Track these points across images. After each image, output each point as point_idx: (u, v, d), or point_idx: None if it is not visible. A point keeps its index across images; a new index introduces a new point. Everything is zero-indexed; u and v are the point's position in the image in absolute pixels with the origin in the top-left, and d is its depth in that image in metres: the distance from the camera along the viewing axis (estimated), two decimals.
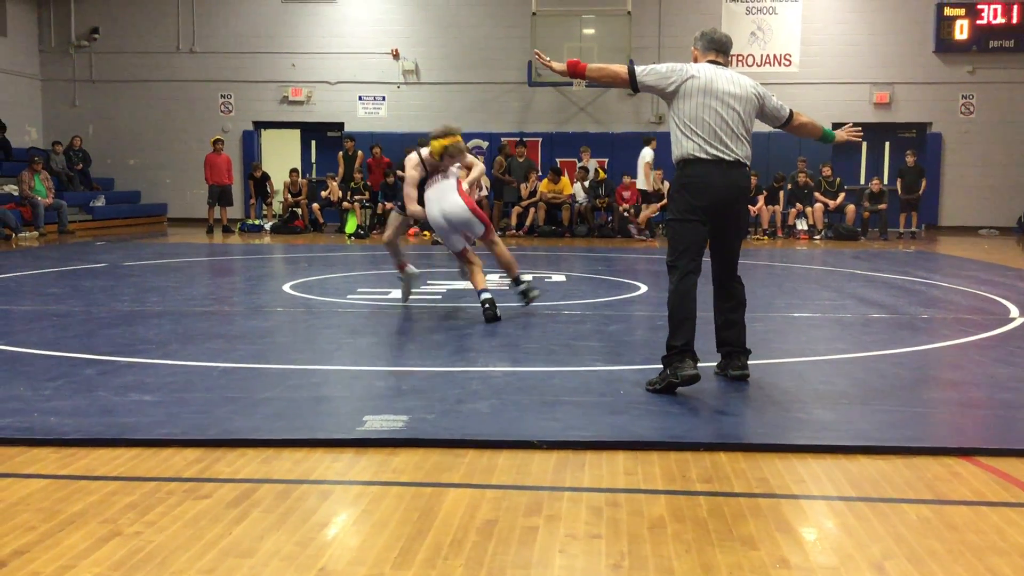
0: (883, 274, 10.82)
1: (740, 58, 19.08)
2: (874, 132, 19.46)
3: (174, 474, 3.43)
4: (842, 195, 17.56)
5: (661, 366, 4.77)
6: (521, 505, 3.15)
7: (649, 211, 16.83)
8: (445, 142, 7.08)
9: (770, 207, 17.34)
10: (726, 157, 4.77)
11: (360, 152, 18.38)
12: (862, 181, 19.51)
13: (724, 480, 3.43)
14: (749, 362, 5.01)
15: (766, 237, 16.96)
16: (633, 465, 3.57)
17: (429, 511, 3.08)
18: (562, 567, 2.66)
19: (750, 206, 16.79)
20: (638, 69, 4.92)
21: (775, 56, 19.29)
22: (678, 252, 4.80)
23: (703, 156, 4.76)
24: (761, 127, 5.34)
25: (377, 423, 4.01)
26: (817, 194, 17.41)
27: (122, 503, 3.12)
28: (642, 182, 16.81)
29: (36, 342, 5.80)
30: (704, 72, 4.83)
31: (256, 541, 2.81)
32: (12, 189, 16.41)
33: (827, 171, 17.66)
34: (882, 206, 17.50)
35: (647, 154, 16.74)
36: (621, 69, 4.97)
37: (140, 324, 6.52)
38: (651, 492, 3.29)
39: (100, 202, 18.63)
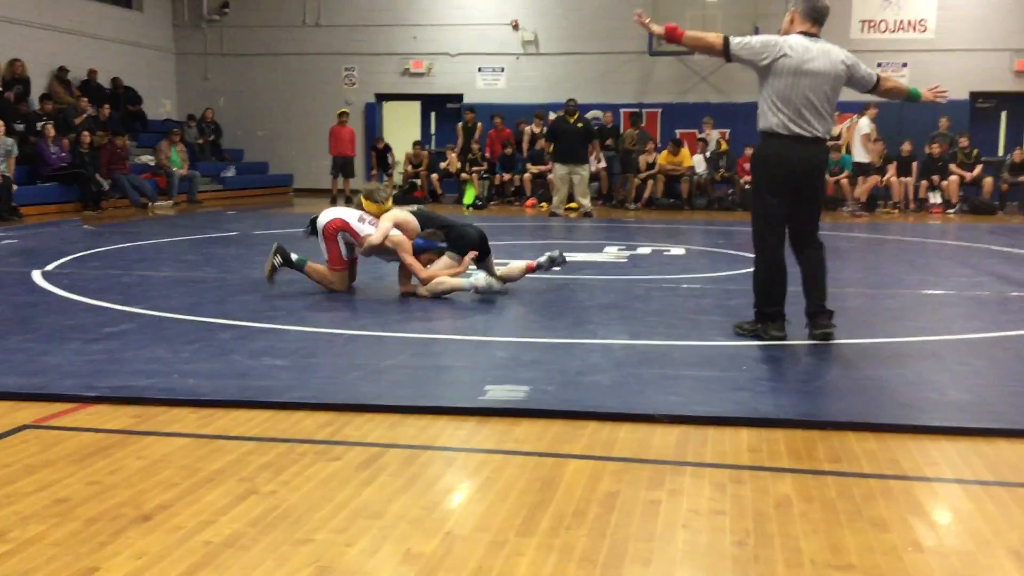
0: (1023, 250, 10.30)
1: (872, 24, 18.35)
2: (1015, 101, 18.45)
3: (306, 436, 3.55)
4: (979, 167, 16.73)
5: (757, 324, 5.19)
6: (643, 478, 3.14)
7: (868, 184, 16.12)
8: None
9: (901, 179, 16.67)
10: (806, 134, 4.97)
11: (479, 123, 18.50)
12: (1000, 152, 18.54)
13: (853, 460, 3.35)
14: (875, 340, 4.94)
15: (896, 211, 16.34)
16: (758, 442, 3.52)
17: (551, 481, 3.11)
18: (685, 542, 2.65)
19: (879, 177, 16.25)
20: (733, 41, 5.06)
21: (909, 22, 18.46)
22: (763, 221, 5.11)
23: (785, 132, 4.97)
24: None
25: (499, 393, 4.06)
26: (952, 166, 16.65)
27: (257, 463, 3.25)
28: (860, 154, 16.11)
29: (175, 307, 6.07)
30: (796, 50, 4.94)
31: (384, 503, 2.89)
32: (148, 159, 17.14)
33: (964, 142, 16.85)
34: (1023, 178, 16.62)
35: (864, 124, 15.94)
36: (716, 39, 5.10)
37: (270, 291, 6.74)
38: (777, 470, 3.23)
39: (230, 172, 19.30)
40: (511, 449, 3.44)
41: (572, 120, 15.08)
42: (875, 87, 5.19)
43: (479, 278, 6.63)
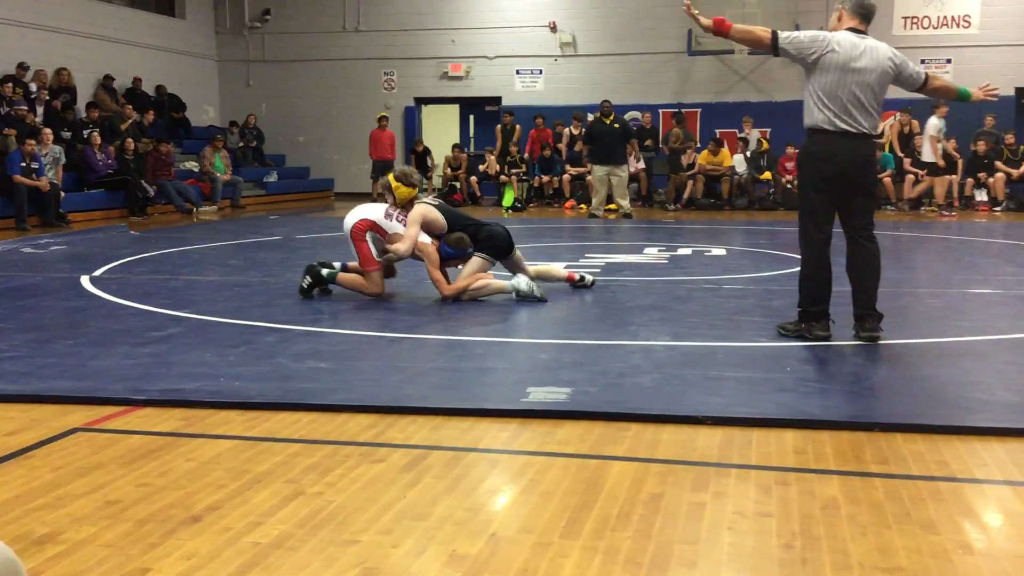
0: None
1: (914, 20, 18.11)
2: None
3: (350, 438, 3.59)
4: None
5: (801, 324, 5.16)
6: (687, 480, 3.13)
7: (942, 186, 15.86)
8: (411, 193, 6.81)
9: (947, 177, 16.41)
10: (852, 130, 4.93)
11: (517, 126, 18.52)
12: None
13: (901, 462, 3.31)
14: (921, 340, 4.86)
15: (940, 209, 16.09)
16: (803, 444, 3.49)
17: (595, 483, 3.11)
18: (731, 544, 2.63)
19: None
20: (781, 36, 5.06)
21: (953, 18, 18.19)
22: (809, 219, 5.07)
23: (831, 128, 4.95)
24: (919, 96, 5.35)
25: (541, 395, 4.07)
26: (999, 163, 16.37)
27: (304, 464, 3.29)
28: (928, 154, 15.85)
29: (220, 311, 6.16)
30: (844, 46, 4.92)
31: (429, 505, 2.91)
32: (193, 166, 17.38)
33: (1010, 139, 16.56)
34: None
35: (934, 124, 15.66)
36: (765, 33, 5.12)
37: (312, 295, 6.79)
38: (823, 472, 3.21)
39: (272, 178, 19.51)
40: (554, 451, 3.45)
41: (608, 121, 15.05)
42: (923, 85, 5.15)
43: (520, 282, 6.60)
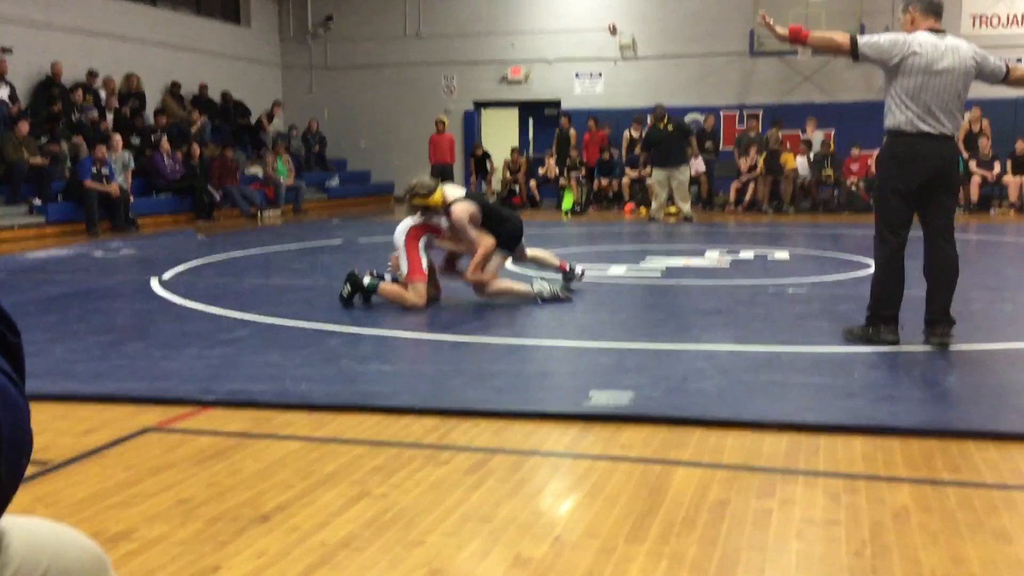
0: None
1: (983, 19, 17.68)
2: None
3: (414, 440, 3.61)
4: None
5: (869, 328, 5.09)
6: (753, 487, 3.10)
7: (1016, 187, 15.37)
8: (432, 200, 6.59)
9: (1018, 177, 16.00)
10: (934, 132, 4.87)
11: (572, 130, 18.50)
12: None
13: (973, 470, 3.24)
14: (993, 345, 4.76)
15: (1012, 211, 15.69)
16: (872, 451, 3.43)
17: (659, 488, 3.09)
18: (799, 552, 2.60)
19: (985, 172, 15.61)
20: (861, 40, 5.00)
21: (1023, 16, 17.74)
22: (886, 223, 5.01)
23: (913, 131, 4.88)
24: (992, 92, 5.26)
25: (603, 398, 4.06)
26: None
27: (369, 466, 3.32)
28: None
29: (286, 314, 6.25)
30: (925, 47, 4.85)
31: (493, 508, 2.92)
32: (256, 171, 17.67)
33: None
34: None
35: None
36: (843, 39, 5.06)
37: (375, 299, 6.85)
38: (893, 480, 3.15)
39: (335, 182, 19.76)
40: (617, 455, 3.44)
41: (663, 125, 14.96)
42: (1005, 77, 5.06)
43: (544, 287, 6.57)
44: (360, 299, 6.62)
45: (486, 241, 6.51)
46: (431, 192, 6.52)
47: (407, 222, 6.67)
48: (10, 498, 1.05)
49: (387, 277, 6.64)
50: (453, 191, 6.68)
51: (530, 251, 7.12)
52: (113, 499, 3.04)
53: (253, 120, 19.34)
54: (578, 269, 7.27)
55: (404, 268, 6.51)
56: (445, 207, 6.54)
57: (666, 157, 14.73)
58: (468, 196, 6.69)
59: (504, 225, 6.68)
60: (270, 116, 19.27)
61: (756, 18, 17.83)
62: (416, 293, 6.44)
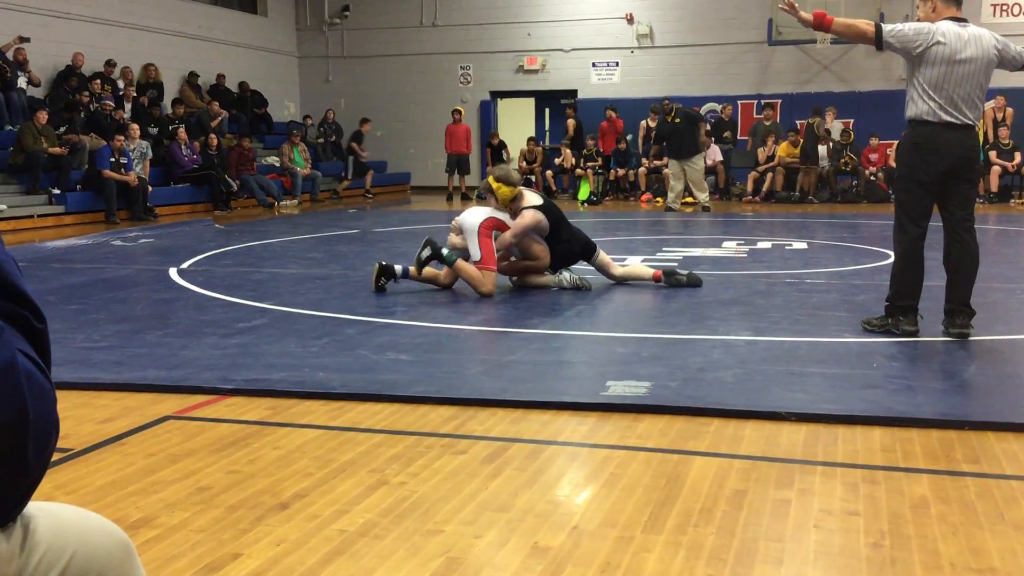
0: None
1: (1004, 7, 17.52)
2: None
3: (432, 429, 3.62)
4: None
5: (888, 318, 5.08)
6: (771, 477, 3.09)
7: None
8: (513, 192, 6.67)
9: None
10: (956, 121, 4.85)
11: (570, 121, 18.36)
12: None
13: (993, 461, 3.22)
14: (1013, 336, 4.73)
15: None
16: (891, 442, 3.42)
17: (676, 478, 3.09)
18: (818, 542, 2.59)
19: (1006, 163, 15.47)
20: (885, 29, 4.97)
21: None
22: (906, 212, 5.00)
23: (935, 120, 4.86)
24: (1013, 80, 5.26)
25: (620, 388, 4.05)
26: None
27: (387, 454, 3.34)
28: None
29: (303, 303, 6.27)
30: (949, 37, 4.83)
31: (511, 497, 2.93)
32: (273, 160, 17.72)
33: None
34: None
35: None
36: (868, 27, 5.04)
37: (392, 287, 6.87)
38: (912, 471, 3.13)
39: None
40: (635, 445, 3.44)
41: (670, 119, 14.90)
42: None
43: (564, 276, 6.76)
44: (391, 281, 6.70)
45: (541, 255, 6.68)
46: (512, 185, 6.66)
47: (482, 211, 6.73)
48: (37, 482, 1.06)
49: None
50: (532, 196, 6.86)
51: (620, 268, 7.06)
52: (133, 487, 3.06)
53: (270, 110, 19.39)
54: (678, 269, 7.12)
55: (476, 255, 6.54)
56: (509, 203, 6.68)
57: (678, 149, 14.69)
58: (545, 206, 6.77)
59: (559, 247, 6.78)
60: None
61: (774, 7, 17.78)
62: (489, 280, 6.49)
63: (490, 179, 6.80)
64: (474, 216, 6.70)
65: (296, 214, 15.08)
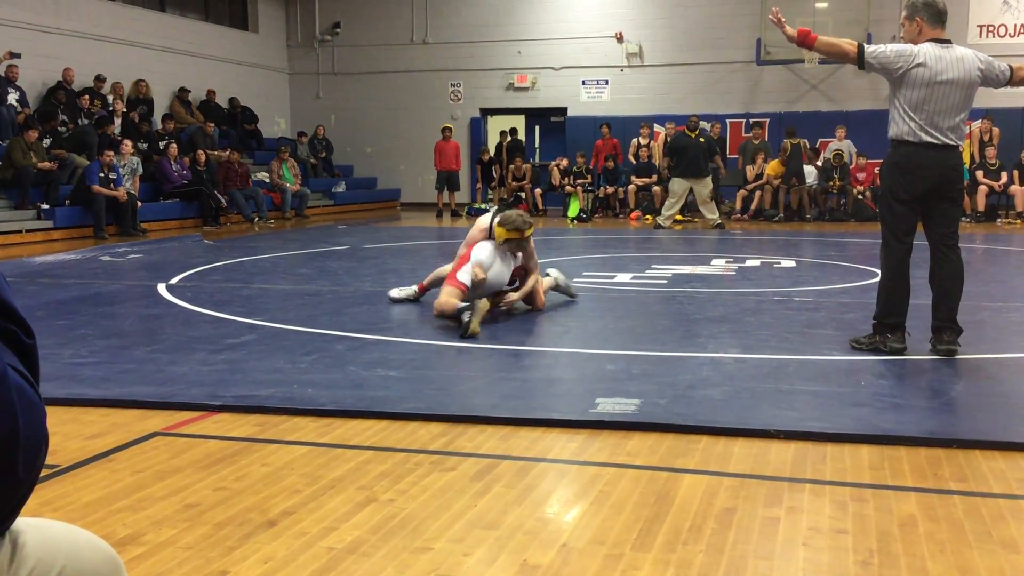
0: None
1: (990, 29, 17.68)
2: None
3: (421, 446, 3.62)
4: None
5: (875, 336, 5.11)
6: (760, 495, 3.10)
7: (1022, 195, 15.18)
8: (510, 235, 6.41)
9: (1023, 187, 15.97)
10: (936, 142, 4.89)
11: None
12: None
13: (981, 480, 3.23)
14: (999, 354, 4.74)
15: (1019, 221, 15.67)
16: (879, 460, 3.43)
17: (666, 495, 3.09)
18: (807, 560, 2.60)
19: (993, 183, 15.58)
20: (867, 49, 5.01)
21: None
22: (891, 229, 5.04)
23: (916, 140, 4.91)
24: (999, 101, 5.26)
25: (609, 406, 4.06)
26: None
27: (376, 471, 3.33)
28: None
29: (292, 319, 6.26)
30: (930, 59, 4.87)
31: (500, 515, 2.92)
32: (264, 176, 17.71)
33: None
34: None
35: None
36: (851, 47, 5.08)
37: (381, 303, 6.88)
38: (900, 489, 3.14)
39: (341, 188, 19.79)
40: (624, 462, 3.44)
41: (694, 135, 15.04)
42: (1011, 78, 5.08)
43: (558, 275, 7.01)
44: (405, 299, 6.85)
45: (533, 268, 6.70)
46: (507, 229, 6.37)
47: (488, 245, 6.46)
48: (27, 497, 1.05)
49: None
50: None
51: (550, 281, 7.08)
52: (120, 503, 3.04)
53: (260, 126, 19.39)
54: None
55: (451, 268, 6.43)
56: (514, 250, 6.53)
57: (690, 168, 14.81)
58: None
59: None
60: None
61: (762, 27, 17.90)
62: (448, 294, 6.17)
63: (510, 234, 6.38)
64: (480, 248, 6.43)
65: (286, 230, 15.05)
